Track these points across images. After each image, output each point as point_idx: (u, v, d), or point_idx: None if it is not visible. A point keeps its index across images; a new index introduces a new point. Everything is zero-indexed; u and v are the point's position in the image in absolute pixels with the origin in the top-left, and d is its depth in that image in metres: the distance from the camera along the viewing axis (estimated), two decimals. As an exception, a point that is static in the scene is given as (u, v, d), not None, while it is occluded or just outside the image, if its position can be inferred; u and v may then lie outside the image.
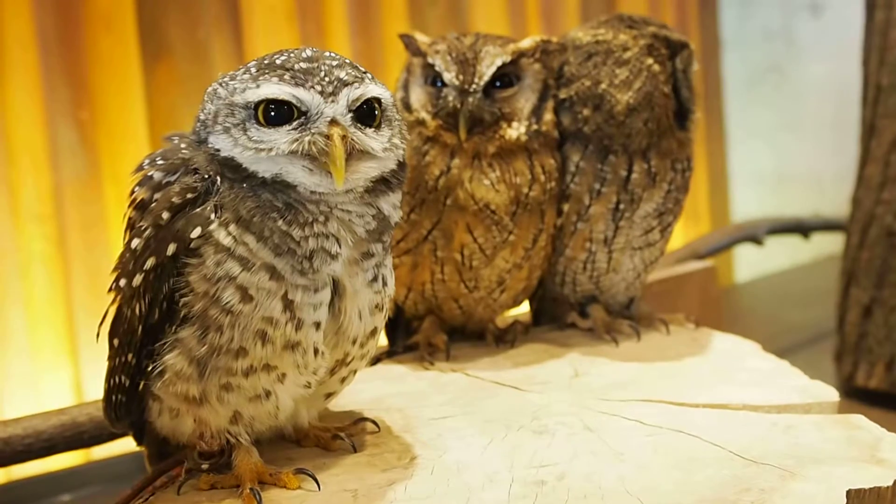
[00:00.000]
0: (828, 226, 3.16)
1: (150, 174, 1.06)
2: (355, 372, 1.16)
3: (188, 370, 1.03)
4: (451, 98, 1.44)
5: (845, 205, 2.40)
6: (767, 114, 4.00)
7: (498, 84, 1.47)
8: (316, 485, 1.06)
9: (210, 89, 1.07)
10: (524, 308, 1.72)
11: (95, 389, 1.95)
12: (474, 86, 1.44)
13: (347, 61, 1.05)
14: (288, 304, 1.02)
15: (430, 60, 1.47)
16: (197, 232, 1.01)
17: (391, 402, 1.33)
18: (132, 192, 1.08)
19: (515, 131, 1.47)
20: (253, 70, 1.04)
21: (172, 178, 1.04)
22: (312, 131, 1.01)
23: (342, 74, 1.02)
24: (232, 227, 1.00)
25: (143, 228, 1.04)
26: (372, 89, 1.04)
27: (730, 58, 3.90)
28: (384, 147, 1.06)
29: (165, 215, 1.02)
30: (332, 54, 1.05)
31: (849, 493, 1.00)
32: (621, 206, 1.53)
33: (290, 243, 1.01)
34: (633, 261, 1.60)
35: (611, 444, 1.15)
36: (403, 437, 1.20)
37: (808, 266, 3.82)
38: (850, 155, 2.49)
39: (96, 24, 2.18)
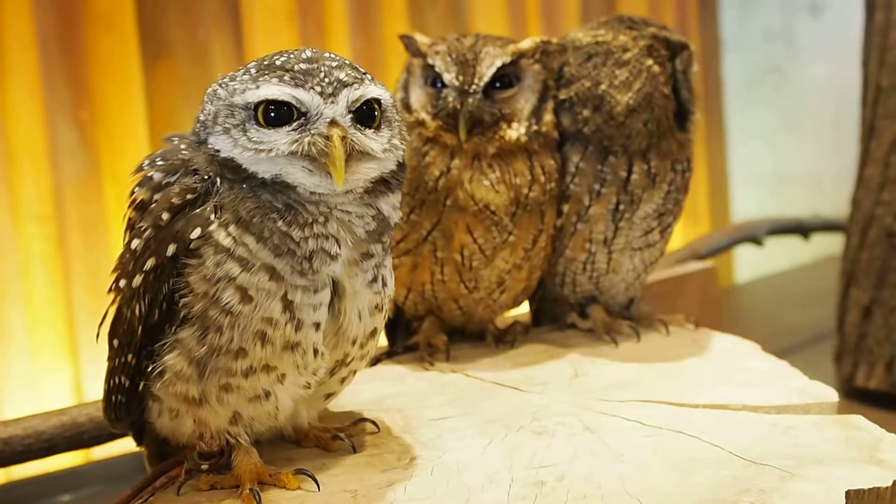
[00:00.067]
0: (828, 226, 3.16)
1: (149, 175, 1.06)
2: (355, 372, 1.16)
3: (188, 371, 1.03)
4: (450, 99, 1.44)
5: (845, 205, 2.40)
6: (767, 114, 4.00)
7: (498, 85, 1.47)
8: (315, 485, 1.06)
9: (210, 90, 1.07)
10: (524, 308, 1.72)
11: (95, 390, 1.95)
12: (474, 86, 1.44)
13: (347, 62, 1.05)
14: (287, 305, 1.02)
15: (430, 61, 1.47)
16: (197, 233, 1.01)
17: (391, 402, 1.33)
18: (132, 192, 1.08)
19: (515, 132, 1.47)
20: (253, 71, 1.04)
21: (172, 179, 1.04)
22: (312, 132, 1.01)
23: (342, 75, 1.02)
24: (232, 228, 1.01)
25: (142, 229, 1.04)
26: (371, 90, 1.04)
27: (730, 59, 3.90)
28: (384, 148, 1.06)
29: (165, 216, 1.02)
30: (332, 55, 1.05)
31: (848, 493, 1.00)
32: (621, 207, 1.53)
33: (290, 244, 1.01)
34: (632, 261, 1.60)
35: (610, 445, 1.15)
36: (403, 438, 1.20)
37: (807, 267, 3.82)
38: (849, 156, 2.49)
39: (96, 24, 2.18)
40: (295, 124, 1.01)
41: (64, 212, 2.14)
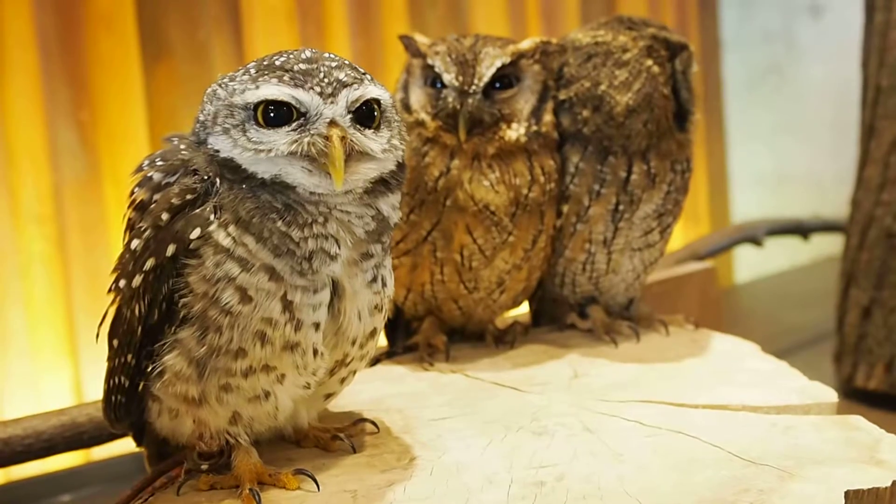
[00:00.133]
0: (827, 227, 3.16)
1: (149, 175, 1.06)
2: (355, 373, 1.16)
3: (187, 371, 1.03)
4: (450, 99, 1.45)
5: (845, 206, 2.40)
6: (767, 115, 4.00)
7: (497, 85, 1.47)
8: (315, 485, 1.06)
9: (209, 90, 1.07)
10: (524, 309, 1.72)
11: (95, 390, 1.96)
12: (474, 87, 1.44)
13: (347, 62, 1.05)
14: (287, 305, 1.02)
15: (429, 62, 1.47)
16: (196, 233, 1.01)
17: (391, 402, 1.33)
18: (132, 193, 1.08)
19: (515, 132, 1.47)
20: (252, 71, 1.04)
21: (172, 179, 1.04)
22: (311, 132, 1.01)
23: (341, 76, 1.02)
24: (231, 228, 1.01)
25: (142, 229, 1.04)
26: (371, 90, 1.04)
27: (730, 59, 3.90)
28: (383, 148, 1.06)
29: (165, 216, 1.03)
30: (332, 55, 1.06)
31: (847, 493, 1.00)
32: (621, 208, 1.53)
33: (290, 244, 1.01)
34: (632, 262, 1.60)
35: (610, 445, 1.15)
36: (403, 438, 1.20)
37: (807, 267, 3.82)
38: (849, 156, 2.49)
39: (96, 24, 2.18)
40: (294, 124, 1.01)
41: (64, 212, 2.14)
